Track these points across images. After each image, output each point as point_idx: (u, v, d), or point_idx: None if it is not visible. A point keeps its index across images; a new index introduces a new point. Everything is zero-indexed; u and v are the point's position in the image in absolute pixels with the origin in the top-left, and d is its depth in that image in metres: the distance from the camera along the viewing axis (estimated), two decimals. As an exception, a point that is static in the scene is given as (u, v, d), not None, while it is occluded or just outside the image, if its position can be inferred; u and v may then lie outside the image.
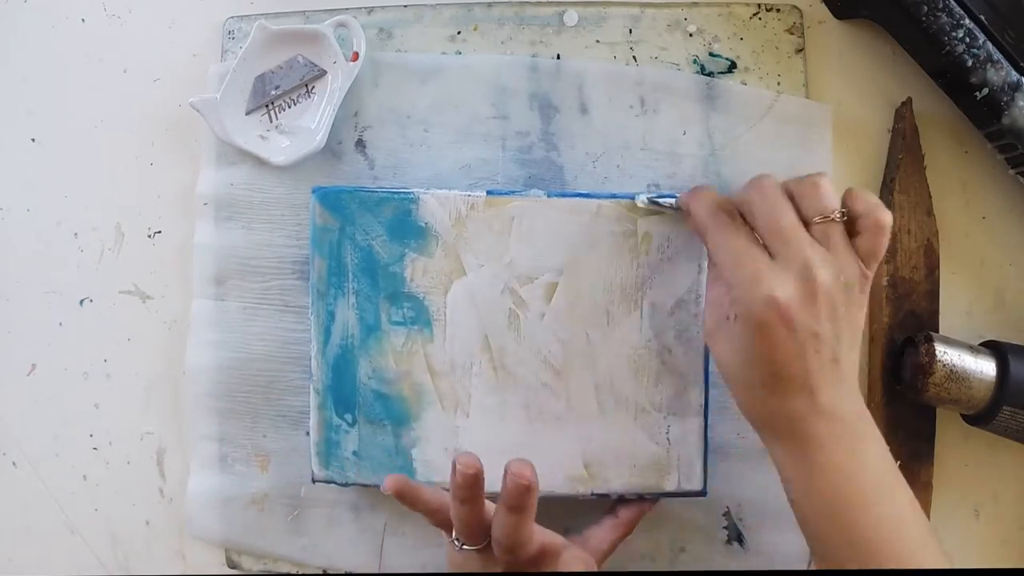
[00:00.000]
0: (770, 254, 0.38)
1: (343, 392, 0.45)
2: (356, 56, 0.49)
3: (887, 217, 0.38)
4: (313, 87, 0.49)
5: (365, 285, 0.45)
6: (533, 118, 0.50)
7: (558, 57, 0.50)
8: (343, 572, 0.50)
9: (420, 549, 0.49)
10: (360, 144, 0.50)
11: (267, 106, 0.49)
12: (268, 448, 0.50)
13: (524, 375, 0.45)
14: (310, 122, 0.49)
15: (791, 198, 0.39)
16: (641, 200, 0.44)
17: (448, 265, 0.45)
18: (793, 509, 0.39)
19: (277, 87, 0.49)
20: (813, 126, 0.49)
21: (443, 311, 0.45)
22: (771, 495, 0.48)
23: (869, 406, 0.49)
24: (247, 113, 0.49)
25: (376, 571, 0.49)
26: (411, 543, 0.49)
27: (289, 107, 0.50)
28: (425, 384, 0.45)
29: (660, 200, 0.44)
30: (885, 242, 0.38)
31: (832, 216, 0.38)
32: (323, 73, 0.49)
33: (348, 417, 0.45)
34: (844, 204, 0.39)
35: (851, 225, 0.38)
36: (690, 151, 0.49)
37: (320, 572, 0.50)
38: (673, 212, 0.44)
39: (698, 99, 0.50)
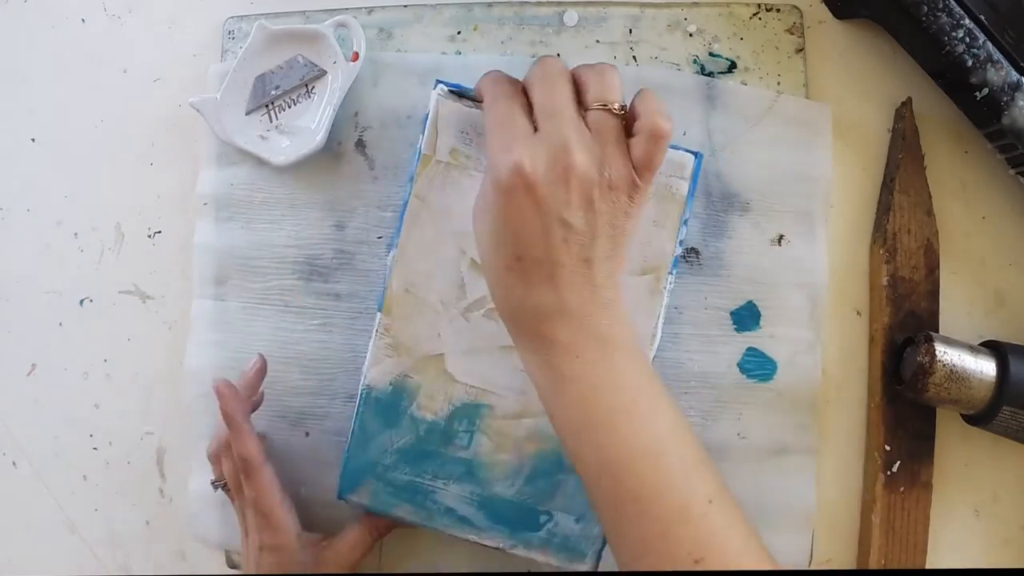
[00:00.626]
0: (535, 128, 0.35)
1: (525, 521, 0.45)
2: (356, 56, 0.49)
3: (665, 125, 0.35)
4: (313, 87, 0.49)
5: (434, 466, 0.45)
6: (533, 118, 0.50)
7: (558, 56, 0.50)
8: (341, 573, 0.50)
9: (419, 550, 0.49)
10: (360, 144, 0.50)
11: (267, 106, 0.49)
12: (267, 448, 0.49)
13: None
14: (310, 122, 0.49)
15: (577, 84, 0.37)
16: (441, 89, 0.43)
17: (428, 366, 0.44)
18: (549, 420, 0.37)
19: (277, 87, 0.49)
20: (813, 126, 0.49)
21: (472, 387, 0.44)
22: (770, 495, 0.48)
23: (869, 406, 0.49)
24: (247, 113, 0.49)
25: (376, 571, 0.49)
26: (410, 543, 0.49)
27: (289, 107, 0.50)
28: (535, 424, 0.44)
29: (462, 90, 0.42)
30: (660, 153, 0.35)
31: (610, 106, 0.36)
32: (323, 73, 0.49)
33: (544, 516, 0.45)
34: (631, 103, 0.36)
35: (630, 126, 0.36)
36: (690, 151, 0.49)
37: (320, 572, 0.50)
38: (470, 100, 0.42)
39: (698, 99, 0.49)
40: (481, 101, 0.39)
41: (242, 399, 0.45)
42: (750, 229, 0.49)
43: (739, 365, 0.49)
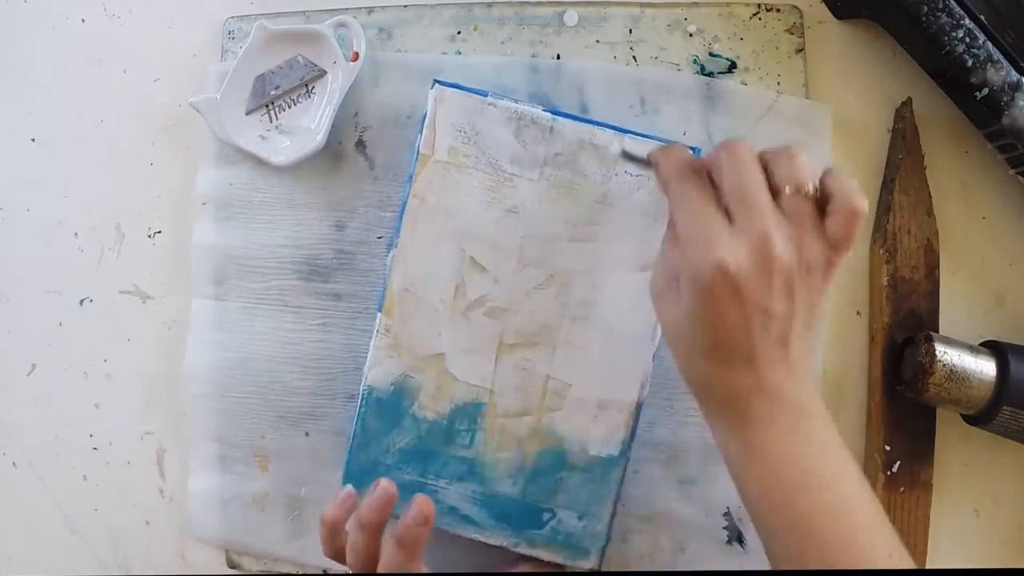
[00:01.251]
0: (731, 219, 0.35)
1: (528, 518, 0.45)
2: (356, 56, 0.49)
3: (862, 204, 0.35)
4: (313, 87, 0.49)
5: (437, 465, 0.45)
6: (533, 118, 0.50)
7: (558, 57, 0.50)
8: (343, 573, 0.50)
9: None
10: (360, 144, 0.50)
11: (267, 106, 0.49)
12: (267, 448, 0.50)
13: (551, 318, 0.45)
14: (310, 122, 0.49)
15: (765, 167, 0.37)
16: (615, 148, 0.43)
17: (429, 366, 0.45)
18: (735, 484, 0.38)
19: (277, 87, 0.49)
20: (813, 126, 0.49)
21: (473, 385, 0.45)
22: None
23: (869, 406, 0.49)
24: (247, 113, 0.49)
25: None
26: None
27: (289, 107, 0.50)
28: (536, 422, 0.45)
29: (634, 153, 0.43)
30: (856, 229, 0.36)
31: (805, 190, 0.36)
32: (323, 73, 0.49)
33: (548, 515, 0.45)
34: (821, 183, 0.36)
35: (824, 205, 0.36)
36: (690, 151, 0.49)
37: (320, 572, 0.50)
38: (643, 165, 0.42)
39: (698, 99, 0.49)
40: (651, 167, 0.40)
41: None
42: (750, 229, 0.49)
43: (739, 365, 0.49)
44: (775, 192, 0.36)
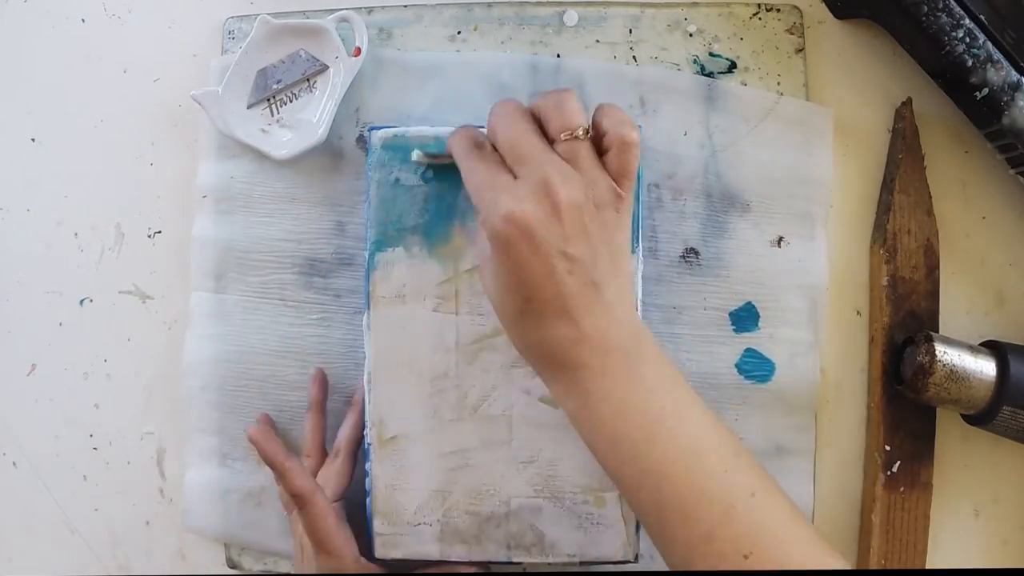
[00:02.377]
0: (514, 176, 0.36)
1: None
2: (358, 51, 0.49)
3: (632, 134, 0.36)
4: (315, 81, 0.49)
5: None
6: (533, 118, 0.50)
7: (558, 56, 0.50)
8: (342, 573, 0.50)
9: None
10: (361, 140, 0.50)
11: (269, 100, 0.49)
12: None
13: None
14: (311, 116, 0.49)
15: (538, 119, 0.37)
16: (416, 154, 0.43)
17: None
18: (588, 447, 0.38)
19: (279, 81, 0.49)
20: (814, 128, 0.49)
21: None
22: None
23: (869, 406, 0.49)
24: (249, 106, 0.49)
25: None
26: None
27: (291, 101, 0.50)
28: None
29: (434, 152, 0.43)
30: (633, 160, 0.37)
31: (576, 133, 0.36)
32: (325, 68, 0.49)
33: None
34: (593, 121, 0.37)
35: (599, 143, 0.37)
36: (690, 152, 0.49)
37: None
38: (448, 158, 0.41)
39: (699, 99, 0.49)
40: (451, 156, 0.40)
41: (273, 437, 0.46)
42: (750, 230, 0.49)
43: (737, 366, 0.49)
44: (552, 141, 0.37)
